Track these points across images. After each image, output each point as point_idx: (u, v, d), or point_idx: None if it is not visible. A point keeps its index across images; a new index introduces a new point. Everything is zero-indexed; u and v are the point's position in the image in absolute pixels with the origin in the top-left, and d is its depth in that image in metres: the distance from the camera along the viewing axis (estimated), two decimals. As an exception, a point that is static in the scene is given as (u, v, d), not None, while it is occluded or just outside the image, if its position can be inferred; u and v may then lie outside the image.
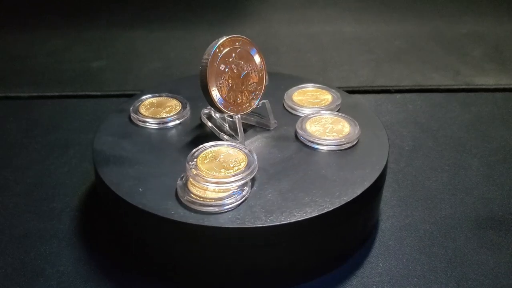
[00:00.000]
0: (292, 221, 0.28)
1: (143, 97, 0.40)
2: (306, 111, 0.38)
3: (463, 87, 0.55)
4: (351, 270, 0.32)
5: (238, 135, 0.34)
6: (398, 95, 0.54)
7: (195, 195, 0.29)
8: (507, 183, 0.40)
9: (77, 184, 0.40)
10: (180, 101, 0.39)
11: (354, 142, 0.34)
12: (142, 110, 0.38)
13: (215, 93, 0.34)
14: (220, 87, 0.34)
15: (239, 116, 0.34)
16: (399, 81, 0.56)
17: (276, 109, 0.38)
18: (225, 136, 0.35)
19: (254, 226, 0.28)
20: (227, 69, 0.34)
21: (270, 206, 0.29)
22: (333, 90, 0.41)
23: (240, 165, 0.31)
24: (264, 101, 0.36)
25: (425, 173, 0.41)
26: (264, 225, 0.28)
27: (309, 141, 0.34)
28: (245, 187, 0.30)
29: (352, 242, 0.33)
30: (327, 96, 0.40)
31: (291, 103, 0.39)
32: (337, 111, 0.38)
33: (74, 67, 0.61)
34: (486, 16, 0.76)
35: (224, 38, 0.33)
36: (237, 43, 0.34)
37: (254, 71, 0.35)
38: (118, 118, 0.38)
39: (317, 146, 0.34)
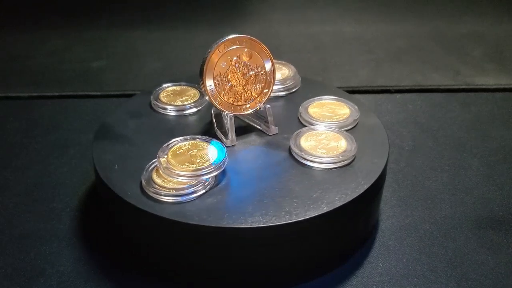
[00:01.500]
0: (292, 221, 0.28)
1: (165, 85, 0.41)
2: (320, 124, 0.36)
3: (463, 87, 0.55)
4: (351, 270, 0.32)
5: (231, 133, 0.34)
6: (398, 95, 0.54)
7: (158, 184, 0.30)
8: (507, 183, 0.40)
9: (77, 184, 0.40)
10: (199, 91, 0.40)
11: (346, 162, 0.32)
12: (162, 96, 0.40)
13: (211, 88, 0.34)
14: (218, 83, 0.34)
15: (232, 115, 0.34)
16: (399, 81, 0.56)
17: (290, 118, 0.37)
18: (219, 133, 0.35)
19: (254, 226, 0.28)
20: (229, 67, 0.34)
21: (221, 205, 0.29)
22: (351, 103, 0.38)
23: (206, 162, 0.31)
24: (267, 106, 0.35)
25: (425, 173, 0.41)
26: (264, 225, 0.28)
27: (300, 156, 0.33)
28: (204, 183, 0.30)
29: (352, 242, 0.33)
30: (345, 111, 0.38)
31: (307, 115, 0.37)
32: (354, 127, 0.36)
33: (74, 67, 0.61)
34: (486, 16, 0.76)
35: (229, 37, 0.33)
36: (244, 43, 0.34)
37: (262, 75, 0.35)
38: (120, 115, 0.38)
39: (306, 162, 0.32)
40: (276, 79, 0.40)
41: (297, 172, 0.32)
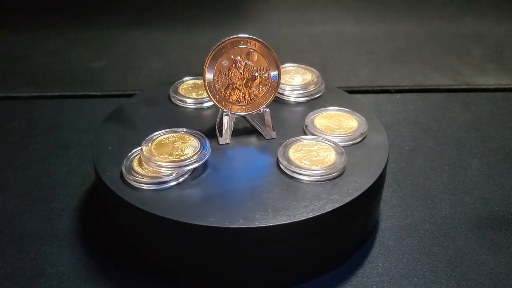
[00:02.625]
0: (292, 221, 0.28)
1: (185, 78, 0.42)
2: (321, 136, 0.34)
3: (463, 87, 0.55)
4: (351, 270, 0.32)
5: (225, 131, 0.34)
6: (398, 95, 0.54)
7: (136, 172, 0.31)
8: (507, 183, 0.40)
9: (77, 184, 0.40)
10: None
11: (334, 175, 0.31)
12: (180, 89, 0.41)
13: (210, 84, 0.34)
14: (219, 80, 0.34)
15: (228, 113, 0.34)
16: (399, 81, 0.56)
17: (298, 125, 0.37)
18: (217, 130, 0.35)
19: (254, 226, 0.28)
20: (231, 65, 0.34)
21: (184, 198, 0.30)
22: (358, 114, 0.37)
23: (183, 156, 0.31)
24: (266, 109, 0.35)
25: (425, 173, 0.41)
26: (264, 225, 0.28)
27: (286, 168, 0.32)
28: (177, 176, 0.31)
29: (352, 242, 0.33)
30: (352, 123, 0.36)
31: (312, 127, 0.36)
32: (361, 140, 0.35)
33: (74, 67, 0.61)
34: (486, 16, 0.76)
35: (235, 36, 0.33)
36: (249, 44, 0.33)
37: (265, 78, 0.34)
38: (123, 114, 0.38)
39: (293, 175, 0.31)
40: (297, 83, 0.40)
41: (276, 180, 0.31)
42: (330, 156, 0.32)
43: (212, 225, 0.28)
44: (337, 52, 0.65)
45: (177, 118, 0.38)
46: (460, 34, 0.70)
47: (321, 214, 0.28)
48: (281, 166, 0.32)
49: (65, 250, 0.33)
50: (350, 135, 0.35)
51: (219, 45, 0.33)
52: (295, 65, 0.43)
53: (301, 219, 0.28)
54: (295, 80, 0.41)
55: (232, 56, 0.33)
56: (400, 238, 0.34)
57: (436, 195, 0.38)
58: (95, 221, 0.36)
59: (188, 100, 0.39)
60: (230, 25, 0.74)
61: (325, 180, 0.31)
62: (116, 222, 0.33)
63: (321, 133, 0.35)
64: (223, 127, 0.34)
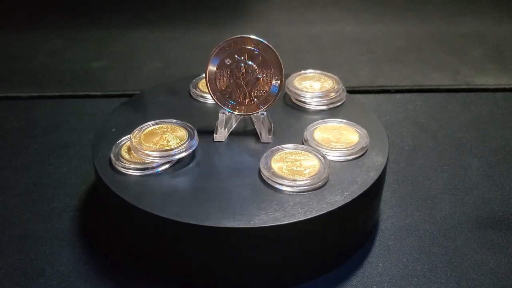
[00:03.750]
0: (292, 221, 0.28)
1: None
2: (319, 150, 0.33)
3: (463, 87, 0.55)
4: (351, 270, 0.32)
5: (220, 129, 0.35)
6: (398, 95, 0.54)
7: (124, 158, 0.32)
8: (507, 183, 0.40)
9: (77, 184, 0.40)
10: None
11: (318, 185, 0.30)
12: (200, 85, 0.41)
13: (211, 82, 0.34)
14: (220, 78, 0.34)
15: (226, 111, 0.34)
16: (399, 81, 0.56)
17: (299, 133, 0.35)
18: (218, 128, 0.35)
19: (254, 226, 0.28)
20: (233, 64, 0.34)
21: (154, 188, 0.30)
22: (359, 127, 0.35)
23: (166, 147, 0.32)
24: (263, 113, 0.34)
25: (425, 173, 0.41)
26: (264, 225, 0.28)
27: (268, 178, 0.31)
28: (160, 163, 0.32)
29: (352, 242, 0.33)
30: (353, 136, 0.34)
31: (312, 140, 0.34)
32: (363, 154, 0.33)
33: (74, 67, 0.61)
34: (486, 16, 0.76)
35: (241, 35, 0.33)
36: (252, 45, 0.33)
37: (267, 81, 0.34)
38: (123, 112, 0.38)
39: (275, 185, 0.31)
40: (315, 91, 0.39)
41: (245, 182, 0.31)
42: (315, 167, 0.31)
43: (212, 225, 0.28)
44: (337, 52, 0.65)
45: (189, 111, 0.38)
46: (460, 34, 0.70)
47: (321, 214, 0.28)
48: (262, 175, 0.31)
49: (65, 250, 0.33)
50: (350, 149, 0.33)
51: (223, 43, 0.33)
52: (317, 71, 0.42)
53: (301, 219, 0.28)
54: (314, 86, 0.40)
55: (236, 56, 0.33)
56: (400, 238, 0.34)
57: (436, 195, 0.38)
58: (95, 221, 0.36)
59: (207, 96, 0.39)
60: (230, 25, 0.74)
61: (306, 192, 0.30)
62: (116, 222, 0.33)
63: (319, 146, 0.33)
64: (218, 125, 0.35)
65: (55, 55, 0.64)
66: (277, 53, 0.33)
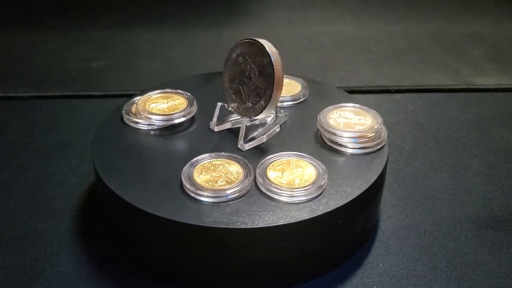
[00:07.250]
0: (292, 221, 0.28)
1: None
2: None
3: (463, 87, 0.55)
4: (351, 270, 0.32)
5: (214, 119, 0.36)
6: (398, 95, 0.54)
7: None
8: (507, 183, 0.40)
9: (77, 184, 0.40)
10: None
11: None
12: None
13: (226, 75, 0.35)
14: (229, 71, 0.35)
15: (222, 104, 0.35)
16: (399, 81, 0.56)
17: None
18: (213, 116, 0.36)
19: (253, 226, 0.28)
20: (240, 65, 0.34)
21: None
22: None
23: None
24: (246, 119, 0.34)
25: (425, 173, 0.41)
26: (263, 225, 0.28)
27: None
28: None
29: (352, 242, 0.33)
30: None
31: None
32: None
33: (74, 67, 0.61)
34: (486, 16, 0.76)
35: (250, 38, 0.34)
36: (263, 55, 0.33)
37: (260, 88, 0.33)
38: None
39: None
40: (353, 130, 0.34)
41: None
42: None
43: (212, 226, 0.28)
44: (337, 52, 0.65)
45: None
46: (460, 34, 0.70)
47: (320, 214, 0.28)
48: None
49: (65, 250, 0.33)
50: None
51: (240, 42, 0.34)
52: (356, 105, 0.37)
53: (301, 219, 0.28)
54: (356, 126, 0.34)
55: (247, 57, 0.34)
56: (400, 238, 0.34)
57: (436, 195, 0.38)
58: (95, 221, 0.36)
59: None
60: (230, 25, 0.74)
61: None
62: (116, 222, 0.33)
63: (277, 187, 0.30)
64: (214, 114, 0.36)
65: (55, 55, 0.64)
66: (275, 78, 0.32)
